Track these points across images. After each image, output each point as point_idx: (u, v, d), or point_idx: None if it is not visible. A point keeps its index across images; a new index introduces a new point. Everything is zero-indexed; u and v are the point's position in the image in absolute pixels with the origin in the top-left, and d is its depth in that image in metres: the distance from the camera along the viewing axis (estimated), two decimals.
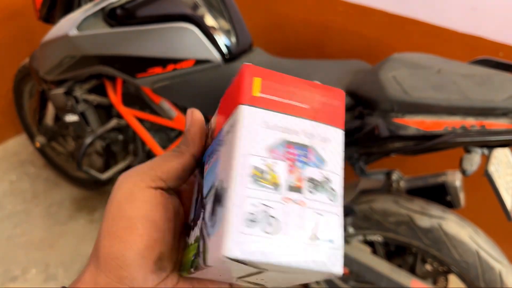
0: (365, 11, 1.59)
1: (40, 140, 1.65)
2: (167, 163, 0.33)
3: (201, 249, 0.28)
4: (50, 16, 1.39)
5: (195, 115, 0.36)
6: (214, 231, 0.26)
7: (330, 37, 1.71)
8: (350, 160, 1.06)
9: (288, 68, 1.13)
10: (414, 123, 0.85)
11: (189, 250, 0.31)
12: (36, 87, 1.64)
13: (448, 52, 1.47)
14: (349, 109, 0.97)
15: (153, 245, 0.31)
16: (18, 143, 2.15)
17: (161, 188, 0.33)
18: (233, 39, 1.14)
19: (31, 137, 1.94)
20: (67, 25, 1.14)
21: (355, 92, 0.95)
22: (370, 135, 0.89)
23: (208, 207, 0.29)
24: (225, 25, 1.14)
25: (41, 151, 1.87)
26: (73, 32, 1.12)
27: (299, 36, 1.78)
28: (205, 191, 0.31)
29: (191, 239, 0.31)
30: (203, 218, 0.29)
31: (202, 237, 0.29)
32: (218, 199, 0.27)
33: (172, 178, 0.33)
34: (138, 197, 0.31)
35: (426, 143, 0.84)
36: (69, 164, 1.85)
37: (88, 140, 1.30)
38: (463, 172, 0.85)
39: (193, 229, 0.32)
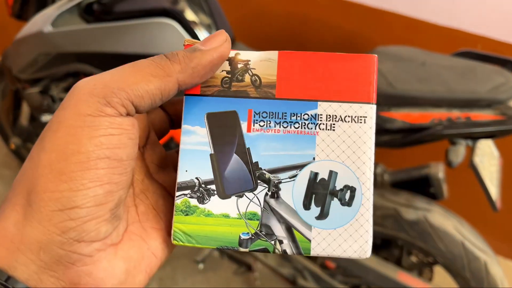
0: (345, 4, 1.59)
1: (15, 141, 1.59)
2: (143, 84, 0.26)
3: (294, 238, 0.28)
4: (23, 12, 1.34)
5: (225, 43, 0.29)
6: (334, 228, 0.28)
7: (311, 29, 1.70)
8: None
9: None
10: (401, 116, 0.85)
11: (222, 222, 0.29)
12: (9, 86, 1.58)
13: (428, 45, 1.48)
14: None
15: (113, 190, 0.25)
16: None
17: (129, 115, 0.26)
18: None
19: (5, 139, 1.87)
20: (41, 21, 1.10)
21: None
22: None
23: (298, 192, 0.29)
24: (206, 19, 1.12)
25: (16, 152, 1.81)
26: (48, 28, 1.08)
27: (279, 28, 1.77)
28: (264, 165, 0.29)
29: (229, 210, 0.29)
30: (276, 198, 0.29)
31: (287, 224, 0.29)
32: (341, 197, 0.28)
33: (144, 105, 0.26)
34: (102, 125, 0.25)
35: (413, 135, 0.84)
36: None
37: None
38: (449, 164, 0.86)
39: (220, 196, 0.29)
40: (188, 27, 1.07)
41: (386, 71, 0.90)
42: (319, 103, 0.29)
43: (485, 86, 0.83)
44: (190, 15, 1.08)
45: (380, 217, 1.04)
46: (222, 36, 0.29)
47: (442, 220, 1.00)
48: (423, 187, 1.12)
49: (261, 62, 0.30)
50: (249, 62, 0.31)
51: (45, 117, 1.31)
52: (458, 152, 0.85)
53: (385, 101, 0.86)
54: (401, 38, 1.54)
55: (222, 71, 0.31)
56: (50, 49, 1.14)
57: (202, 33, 1.09)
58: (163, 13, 1.06)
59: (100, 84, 0.26)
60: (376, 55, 0.29)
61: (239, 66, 0.31)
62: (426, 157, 1.44)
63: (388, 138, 0.87)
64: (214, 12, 1.14)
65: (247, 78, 0.30)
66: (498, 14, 1.38)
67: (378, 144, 0.91)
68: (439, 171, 1.10)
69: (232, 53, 0.31)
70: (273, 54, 0.31)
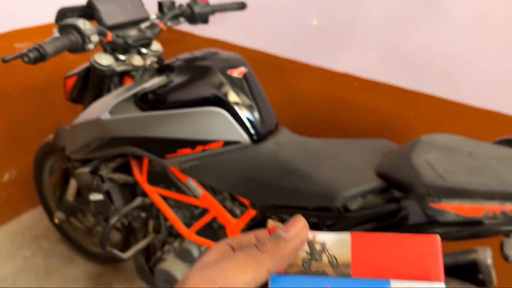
0: (381, 87, 1.65)
1: (59, 216, 1.64)
2: (241, 276, 0.31)
3: None
4: (79, 98, 1.44)
5: (303, 228, 0.33)
6: None
7: (347, 112, 1.75)
8: None
9: (316, 147, 1.15)
10: (453, 208, 0.85)
11: None
12: (58, 163, 1.66)
13: (467, 127, 1.50)
14: (381, 191, 0.97)
15: None
16: (33, 217, 2.14)
17: None
18: (260, 121, 1.17)
19: (48, 212, 1.94)
20: (100, 109, 1.18)
21: (387, 175, 0.96)
22: (407, 220, 0.89)
23: None
24: (252, 107, 1.17)
25: (59, 227, 1.86)
26: (106, 116, 1.16)
27: (317, 110, 1.82)
28: None
29: None
30: None
31: None
32: None
33: None
34: None
35: (468, 230, 0.83)
36: (86, 239, 1.83)
37: (113, 220, 1.29)
38: (506, 258, 0.84)
39: None
40: (236, 114, 1.13)
41: (434, 162, 0.91)
42: (391, 281, 0.32)
43: None
44: (237, 103, 1.14)
45: None
46: (301, 222, 0.33)
47: None
48: (470, 272, 1.08)
49: (336, 243, 0.34)
50: (326, 243, 0.34)
51: (92, 196, 1.36)
52: None
53: (435, 192, 0.86)
54: (438, 120, 1.56)
55: (302, 251, 0.34)
56: (105, 134, 1.21)
57: (248, 120, 1.14)
58: (212, 102, 1.13)
59: (210, 280, 0.31)
60: (437, 235, 0.33)
61: (317, 247, 0.34)
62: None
63: (441, 231, 0.87)
64: (258, 100, 1.20)
65: (324, 258, 0.34)
66: None
67: None
68: (487, 256, 1.06)
69: (310, 236, 0.34)
70: (346, 236, 0.34)
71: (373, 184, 0.96)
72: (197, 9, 1.41)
